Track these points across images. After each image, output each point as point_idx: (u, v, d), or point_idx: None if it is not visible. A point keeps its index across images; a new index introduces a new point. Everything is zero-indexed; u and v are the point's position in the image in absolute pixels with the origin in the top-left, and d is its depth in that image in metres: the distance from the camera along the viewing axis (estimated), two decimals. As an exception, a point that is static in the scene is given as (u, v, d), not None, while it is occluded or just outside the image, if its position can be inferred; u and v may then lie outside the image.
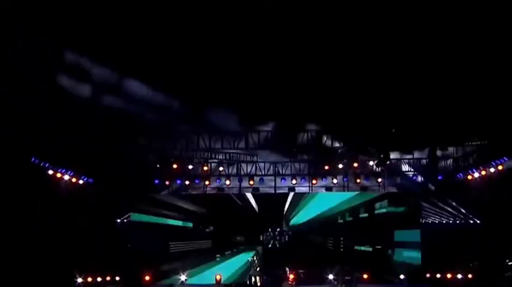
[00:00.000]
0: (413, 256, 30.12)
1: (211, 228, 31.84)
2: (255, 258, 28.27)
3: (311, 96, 25.87)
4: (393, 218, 30.71)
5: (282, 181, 30.94)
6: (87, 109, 24.85)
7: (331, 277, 29.06)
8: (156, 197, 31.35)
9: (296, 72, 24.89)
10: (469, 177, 28.73)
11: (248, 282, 28.67)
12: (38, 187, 25.71)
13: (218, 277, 29.16)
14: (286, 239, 32.03)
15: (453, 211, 30.65)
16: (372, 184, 31.11)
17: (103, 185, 29.60)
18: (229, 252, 31.86)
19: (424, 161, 30.40)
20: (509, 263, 27.48)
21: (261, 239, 31.99)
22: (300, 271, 29.79)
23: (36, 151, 25.59)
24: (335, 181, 30.64)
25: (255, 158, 30.83)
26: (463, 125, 27.13)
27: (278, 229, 32.07)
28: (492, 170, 27.40)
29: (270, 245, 31.87)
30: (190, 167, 30.13)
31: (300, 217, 32.12)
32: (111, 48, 23.39)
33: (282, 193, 31.58)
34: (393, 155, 30.24)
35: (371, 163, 30.32)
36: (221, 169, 30.68)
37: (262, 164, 30.91)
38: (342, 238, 31.58)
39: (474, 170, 28.45)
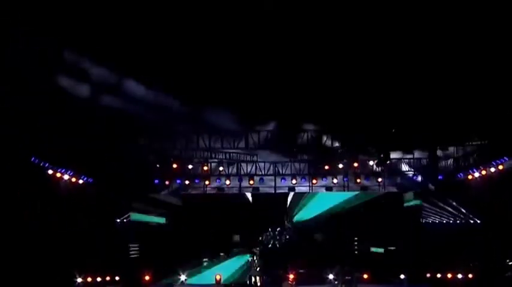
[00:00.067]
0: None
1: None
2: (254, 258, 28.21)
3: (311, 96, 25.84)
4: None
5: (282, 180, 30.93)
6: (87, 109, 24.79)
7: (331, 277, 29.07)
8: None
9: (296, 72, 24.86)
10: (470, 177, 28.70)
11: (248, 282, 28.64)
12: (37, 186, 25.62)
13: (218, 277, 29.17)
14: (287, 238, 31.99)
15: (453, 211, 30.61)
16: (372, 184, 31.08)
17: (103, 185, 29.55)
18: (222, 255, 31.67)
19: (424, 161, 30.34)
20: (510, 263, 27.41)
21: (260, 239, 31.96)
22: (300, 270, 29.77)
23: (36, 151, 25.51)
24: (335, 180, 30.62)
25: (255, 158, 30.78)
26: (463, 124, 27.09)
27: (278, 229, 32.03)
28: (492, 170, 27.34)
29: (269, 246, 31.82)
30: (190, 166, 30.08)
31: (306, 213, 32.03)
32: (110, 48, 23.33)
33: (282, 192, 31.54)
34: (393, 155, 30.23)
35: (371, 162, 30.29)
36: (221, 168, 30.63)
37: (262, 164, 30.87)
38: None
39: (474, 170, 28.41)
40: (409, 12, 22.42)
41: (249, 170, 30.91)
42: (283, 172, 30.90)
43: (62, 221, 26.98)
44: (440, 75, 24.33)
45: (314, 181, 30.86)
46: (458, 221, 30.49)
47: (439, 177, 30.09)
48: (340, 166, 29.99)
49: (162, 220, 31.74)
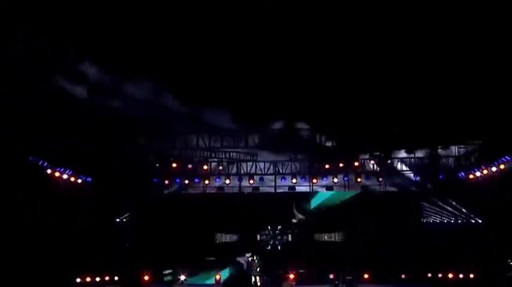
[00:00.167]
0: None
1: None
2: (254, 258, 28.12)
3: (312, 95, 25.74)
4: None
5: (282, 180, 30.78)
6: (86, 109, 24.68)
7: (331, 276, 29.02)
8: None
9: (297, 71, 24.76)
10: (471, 176, 28.58)
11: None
12: (37, 186, 25.52)
13: (218, 277, 29.15)
14: (289, 238, 31.91)
15: (454, 211, 30.55)
16: (372, 183, 30.95)
17: (102, 184, 29.42)
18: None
19: (425, 160, 30.23)
20: (511, 263, 27.38)
21: (259, 239, 31.88)
22: (300, 270, 29.70)
23: (35, 151, 25.40)
24: (336, 180, 30.48)
25: (255, 157, 30.64)
26: (464, 124, 26.97)
27: (279, 227, 31.89)
28: (494, 169, 27.22)
29: (269, 247, 31.72)
30: (189, 166, 29.94)
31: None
32: (110, 48, 23.23)
33: (282, 192, 31.48)
34: (394, 154, 30.10)
35: (372, 162, 30.18)
36: (221, 168, 30.48)
37: (262, 163, 30.72)
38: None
39: (476, 170, 28.29)
40: (411, 12, 22.32)
41: (249, 169, 30.73)
42: (284, 171, 30.74)
43: (62, 221, 26.89)
44: (442, 74, 24.22)
45: (314, 181, 30.69)
46: (459, 221, 30.45)
47: (440, 176, 29.96)
48: (341, 165, 29.79)
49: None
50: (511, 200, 26.41)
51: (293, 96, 25.87)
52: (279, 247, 31.84)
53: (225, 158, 30.62)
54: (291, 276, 28.36)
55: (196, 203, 31.28)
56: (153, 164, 29.95)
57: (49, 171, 26.70)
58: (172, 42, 23.48)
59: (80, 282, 28.40)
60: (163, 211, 31.19)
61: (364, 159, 30.38)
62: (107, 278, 29.46)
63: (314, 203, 32.23)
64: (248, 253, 28.65)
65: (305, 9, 22.65)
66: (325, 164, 30.04)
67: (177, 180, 30.95)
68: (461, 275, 28.60)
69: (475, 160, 29.10)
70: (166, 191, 31.58)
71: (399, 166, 30.82)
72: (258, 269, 27.90)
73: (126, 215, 31.68)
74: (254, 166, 30.73)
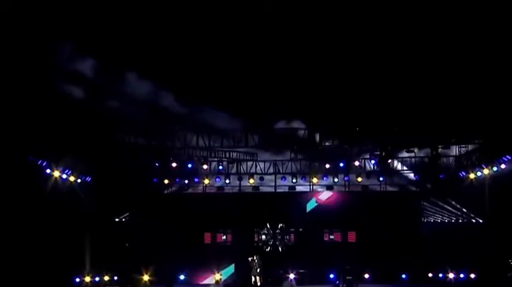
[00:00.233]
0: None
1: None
2: (254, 258, 28.02)
3: (313, 95, 25.65)
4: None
5: (282, 179, 30.65)
6: (86, 109, 24.62)
7: (332, 276, 28.92)
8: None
9: (298, 70, 24.68)
10: (472, 176, 28.47)
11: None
12: (36, 186, 25.42)
13: (218, 277, 29.03)
14: (291, 238, 31.78)
15: (455, 210, 30.48)
16: (372, 183, 30.83)
17: (102, 184, 29.33)
18: None
19: (425, 159, 30.11)
20: (512, 263, 27.37)
21: (257, 239, 31.76)
22: (301, 270, 29.60)
23: (34, 150, 25.32)
24: (336, 179, 30.35)
25: (255, 157, 30.53)
26: (465, 123, 26.88)
27: (281, 225, 31.74)
28: (495, 168, 27.12)
29: (269, 248, 31.59)
30: (189, 166, 29.84)
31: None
32: (110, 48, 23.18)
33: (283, 191, 31.36)
34: (394, 154, 29.99)
35: (372, 161, 30.07)
36: (221, 167, 30.36)
37: (262, 163, 30.60)
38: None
39: (477, 169, 28.19)
40: (412, 11, 22.24)
41: (249, 169, 30.61)
42: (284, 171, 30.62)
43: (61, 220, 26.78)
44: (442, 73, 24.13)
45: (315, 180, 30.57)
46: (460, 221, 30.38)
47: (441, 176, 29.85)
48: (341, 164, 29.67)
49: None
50: (511, 199, 26.37)
51: (293, 95, 25.75)
52: (280, 249, 31.64)
53: (225, 157, 30.51)
54: (291, 276, 28.29)
55: (196, 203, 31.22)
56: (152, 163, 29.79)
57: (48, 170, 26.61)
58: (172, 41, 23.40)
59: (79, 282, 28.32)
60: (163, 210, 31.11)
61: (364, 159, 30.24)
62: (106, 278, 29.36)
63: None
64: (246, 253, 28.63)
65: (304, 9, 22.57)
66: (325, 164, 29.89)
67: (177, 180, 30.84)
68: (462, 275, 28.49)
69: (475, 160, 28.98)
70: (166, 191, 31.46)
71: (399, 165, 30.71)
72: (258, 270, 27.77)
73: (125, 214, 31.59)
74: (254, 166, 30.61)
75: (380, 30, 22.88)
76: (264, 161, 30.56)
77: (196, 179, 30.66)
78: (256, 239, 31.77)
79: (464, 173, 29.20)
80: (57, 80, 23.71)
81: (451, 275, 28.66)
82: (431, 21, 22.48)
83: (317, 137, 29.85)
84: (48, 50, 22.48)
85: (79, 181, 28.77)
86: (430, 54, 23.49)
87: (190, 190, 31.83)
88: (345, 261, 28.20)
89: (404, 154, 30.21)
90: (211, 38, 23.27)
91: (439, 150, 29.29)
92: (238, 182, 30.67)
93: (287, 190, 31.32)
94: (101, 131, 26.60)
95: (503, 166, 26.84)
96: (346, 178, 30.38)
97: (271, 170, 30.71)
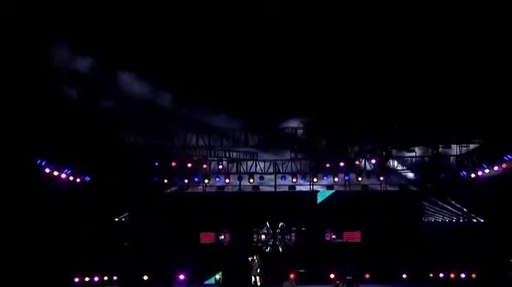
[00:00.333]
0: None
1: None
2: (255, 258, 27.94)
3: (313, 94, 25.59)
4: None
5: (283, 179, 30.55)
6: (86, 109, 24.59)
7: (332, 276, 28.83)
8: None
9: (297, 70, 24.66)
10: (473, 175, 28.39)
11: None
12: (36, 185, 25.36)
13: (218, 277, 28.97)
14: (291, 238, 31.68)
15: (456, 210, 30.41)
16: (373, 183, 30.74)
17: (101, 183, 29.25)
18: None
19: (426, 159, 30.02)
20: (513, 263, 27.30)
21: (257, 238, 31.67)
22: (301, 270, 29.52)
23: (33, 149, 25.26)
24: (336, 179, 30.25)
25: (255, 156, 30.45)
26: (466, 122, 26.82)
27: (281, 224, 31.64)
28: (496, 168, 27.03)
29: (268, 248, 31.50)
30: (189, 165, 29.74)
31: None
32: (109, 48, 23.18)
33: (283, 191, 31.26)
34: (395, 153, 29.91)
35: (373, 161, 29.98)
36: (221, 167, 30.27)
37: (262, 163, 30.51)
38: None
39: (478, 168, 28.10)
40: (413, 9, 22.22)
41: (249, 168, 30.52)
42: (284, 170, 30.52)
43: (60, 220, 26.71)
44: (443, 72, 24.11)
45: (315, 180, 30.47)
46: (461, 221, 30.32)
47: (442, 175, 29.78)
48: (342, 164, 29.57)
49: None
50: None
51: (293, 95, 25.71)
52: (280, 249, 31.55)
53: (225, 157, 30.43)
54: (292, 276, 28.20)
55: (196, 203, 31.14)
56: (152, 163, 29.71)
57: (48, 170, 26.53)
58: (173, 41, 23.39)
59: (78, 282, 28.24)
60: (163, 210, 31.03)
61: (364, 158, 30.15)
62: (105, 278, 29.28)
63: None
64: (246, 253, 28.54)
65: (305, 8, 22.55)
66: (326, 164, 29.80)
67: (177, 179, 30.76)
68: (463, 275, 28.40)
69: (476, 159, 28.89)
70: (166, 191, 31.37)
71: (400, 165, 30.63)
72: (258, 270, 27.68)
73: (125, 214, 31.51)
74: (254, 165, 30.52)
75: (380, 29, 22.90)
76: (264, 161, 30.46)
77: (196, 179, 30.56)
78: (256, 239, 31.66)
79: (465, 173, 29.10)
80: (57, 79, 23.72)
81: (451, 275, 28.54)
82: (432, 21, 22.48)
83: (317, 137, 29.78)
84: (48, 50, 22.51)
85: (78, 180, 28.71)
86: (431, 53, 23.49)
87: (190, 190, 31.70)
88: (346, 261, 28.17)
89: (405, 154, 30.14)
90: (212, 38, 23.29)
91: (440, 149, 29.20)
92: (238, 182, 30.53)
93: (287, 190, 31.18)
94: (100, 130, 26.55)
95: (504, 165, 26.72)
96: (346, 178, 30.27)
97: (271, 170, 30.61)
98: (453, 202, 30.45)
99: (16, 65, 21.45)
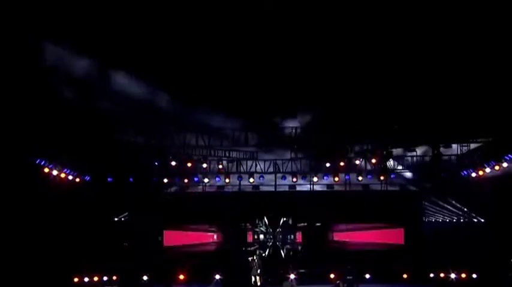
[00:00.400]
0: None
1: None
2: (255, 258, 27.93)
3: (313, 93, 25.54)
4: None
5: (283, 178, 30.48)
6: (85, 108, 24.55)
7: (332, 276, 28.81)
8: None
9: (297, 70, 24.59)
10: (473, 175, 28.32)
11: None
12: (35, 185, 25.34)
13: (218, 277, 28.95)
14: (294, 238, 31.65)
15: (456, 210, 30.37)
16: (373, 182, 30.68)
17: (101, 183, 29.23)
18: None
19: (427, 158, 29.96)
20: (514, 263, 27.24)
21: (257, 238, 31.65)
22: (301, 270, 29.49)
23: (32, 149, 25.24)
24: (336, 178, 30.17)
25: (255, 156, 30.40)
26: (467, 122, 26.75)
27: (281, 224, 31.57)
28: (497, 167, 26.96)
29: (268, 249, 31.49)
30: (189, 165, 29.69)
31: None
32: (109, 48, 23.13)
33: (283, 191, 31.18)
34: (396, 153, 29.85)
35: (373, 160, 29.91)
36: (221, 167, 30.22)
37: (262, 162, 30.46)
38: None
39: (478, 168, 28.02)
40: (413, 9, 22.15)
41: (248, 168, 30.46)
42: (284, 170, 30.47)
43: (60, 220, 26.71)
44: (443, 71, 24.02)
45: (315, 180, 30.41)
46: (461, 220, 30.28)
47: (442, 175, 29.71)
48: (342, 163, 29.51)
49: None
50: (513, 199, 26.34)
51: (293, 94, 25.67)
52: (282, 252, 31.54)
53: (225, 156, 30.39)
54: (292, 276, 28.19)
55: (196, 202, 31.10)
56: (152, 163, 29.67)
57: (47, 170, 26.52)
58: (172, 41, 23.33)
59: (77, 282, 28.23)
60: (163, 210, 31.00)
61: (364, 158, 30.10)
62: (105, 278, 29.27)
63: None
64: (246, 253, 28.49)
65: (304, 8, 22.50)
66: (326, 163, 29.75)
67: (177, 179, 30.72)
68: (463, 275, 28.36)
69: (477, 159, 28.82)
70: (165, 190, 31.34)
71: (400, 165, 30.57)
72: (258, 270, 27.67)
73: (125, 214, 31.49)
74: (254, 165, 30.47)
75: (380, 29, 22.81)
76: (264, 161, 30.41)
77: (196, 179, 30.51)
78: (255, 238, 31.65)
79: (465, 173, 29.03)
80: (57, 80, 23.69)
81: (452, 275, 28.51)
82: (432, 20, 22.40)
83: (317, 137, 29.73)
84: (47, 50, 22.47)
85: (78, 180, 28.68)
86: (431, 52, 23.39)
87: (189, 189, 31.65)
88: (346, 261, 28.15)
89: (405, 153, 30.08)
90: (212, 38, 23.21)
91: (440, 149, 29.12)
92: (238, 182, 30.47)
93: (287, 189, 31.11)
94: (100, 130, 26.51)
95: (505, 165, 26.65)
96: (346, 177, 30.20)
97: (271, 169, 30.56)
98: (453, 202, 30.41)
99: (16, 65, 21.39)
